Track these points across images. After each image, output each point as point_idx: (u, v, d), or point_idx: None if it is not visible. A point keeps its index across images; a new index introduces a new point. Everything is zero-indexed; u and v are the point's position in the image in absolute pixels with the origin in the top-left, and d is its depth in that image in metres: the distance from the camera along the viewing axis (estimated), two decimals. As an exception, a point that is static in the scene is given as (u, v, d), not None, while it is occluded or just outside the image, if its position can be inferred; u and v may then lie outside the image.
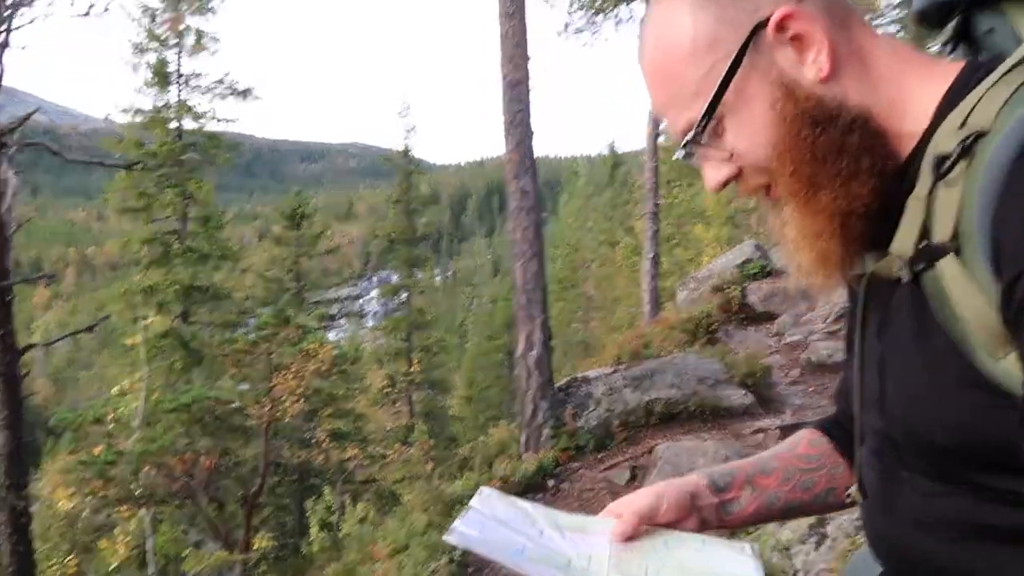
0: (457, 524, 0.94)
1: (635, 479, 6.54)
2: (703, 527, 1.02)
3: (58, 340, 11.45)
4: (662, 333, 9.92)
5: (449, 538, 0.92)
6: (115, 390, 14.35)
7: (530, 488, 6.41)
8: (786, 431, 6.62)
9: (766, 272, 11.86)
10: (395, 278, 26.78)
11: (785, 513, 1.05)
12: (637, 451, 6.82)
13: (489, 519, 0.97)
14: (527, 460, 6.74)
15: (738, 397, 7.45)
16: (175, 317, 17.60)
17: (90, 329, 10.99)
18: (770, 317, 10.84)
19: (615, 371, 7.91)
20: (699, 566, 0.95)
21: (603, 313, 23.45)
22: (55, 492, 13.31)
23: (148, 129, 18.83)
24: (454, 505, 5.93)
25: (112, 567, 14.24)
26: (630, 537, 0.98)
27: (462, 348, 37.86)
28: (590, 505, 6.06)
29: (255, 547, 13.63)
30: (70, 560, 14.22)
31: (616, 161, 31.23)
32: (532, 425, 6.97)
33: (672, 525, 1.00)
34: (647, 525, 1.00)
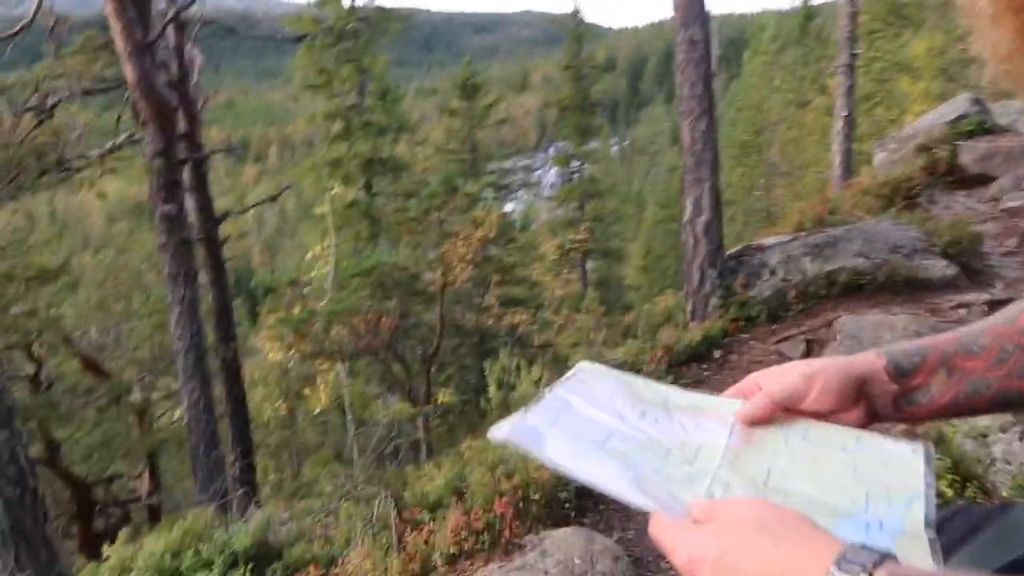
0: (516, 416, 0.75)
1: (811, 353, 6.12)
2: (872, 420, 0.78)
3: (248, 209, 12.54)
4: (852, 198, 9.01)
5: (494, 434, 0.73)
6: (308, 255, 15.60)
7: (695, 358, 6.19)
8: (997, 306, 5.87)
9: (984, 129, 10.32)
10: (568, 147, 26.42)
11: (994, 404, 0.79)
12: (815, 323, 6.34)
13: (570, 407, 0.77)
14: (693, 329, 6.48)
15: (939, 268, 6.65)
16: (359, 188, 18.56)
17: (274, 199, 11.86)
18: (985, 180, 9.50)
19: (794, 238, 7.31)
20: (841, 471, 0.71)
21: (788, 180, 21.77)
22: (267, 345, 14.94)
23: (323, 7, 19.31)
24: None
25: (316, 412, 15.99)
26: (760, 423, 0.76)
27: (639, 218, 37.29)
28: (758, 377, 5.76)
29: (439, 402, 14.67)
30: (281, 404, 16.12)
31: (809, 13, 28.06)
32: (699, 294, 6.66)
33: (825, 416, 0.76)
34: (785, 412, 0.77)
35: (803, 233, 7.61)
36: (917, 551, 0.63)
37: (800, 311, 6.49)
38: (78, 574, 5.01)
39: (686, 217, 6.68)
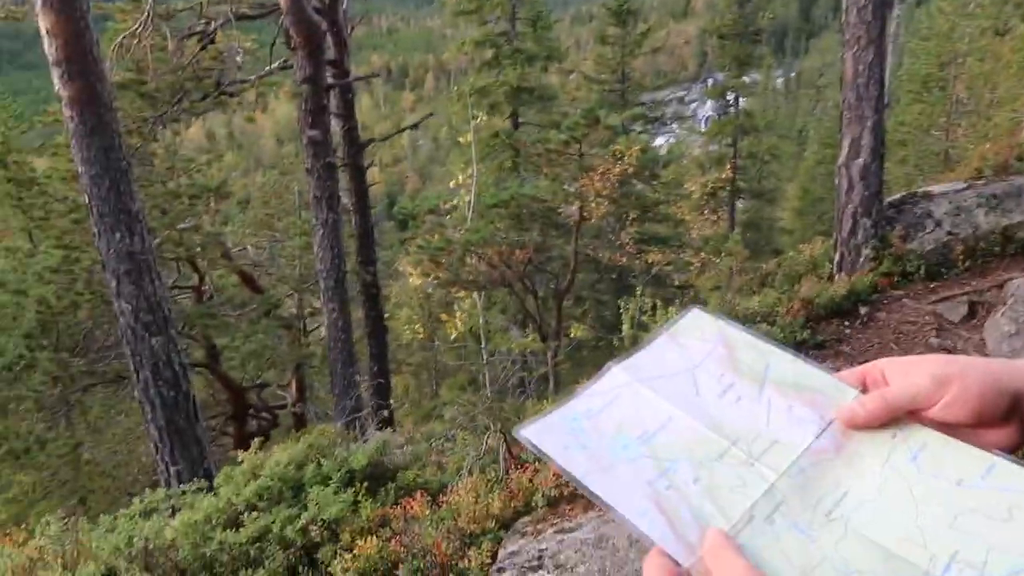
0: (554, 411, 0.65)
1: (974, 316, 5.50)
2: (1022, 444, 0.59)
3: (391, 136, 12.73)
4: (1047, 143, 7.89)
5: (519, 432, 0.65)
6: (452, 184, 15.81)
7: (837, 313, 5.72)
8: None
9: None
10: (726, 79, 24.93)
11: None
12: (982, 284, 5.68)
13: (632, 384, 0.67)
14: (838, 282, 5.98)
15: None
16: (506, 118, 18.45)
17: (415, 127, 12.01)
18: None
19: (968, 187, 6.52)
20: (939, 515, 0.52)
21: (974, 119, 19.49)
22: (409, 270, 15.44)
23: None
24: (745, 323, 5.54)
25: (453, 338, 16.46)
26: (864, 428, 0.60)
27: (800, 156, 35.07)
28: (908, 341, 5.25)
29: (572, 336, 14.65)
30: (420, 327, 16.71)
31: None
32: (849, 243, 6.11)
33: (957, 430, 0.58)
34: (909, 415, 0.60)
35: (981, 181, 6.77)
36: None
37: (966, 269, 5.83)
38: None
39: (841, 158, 6.09)
